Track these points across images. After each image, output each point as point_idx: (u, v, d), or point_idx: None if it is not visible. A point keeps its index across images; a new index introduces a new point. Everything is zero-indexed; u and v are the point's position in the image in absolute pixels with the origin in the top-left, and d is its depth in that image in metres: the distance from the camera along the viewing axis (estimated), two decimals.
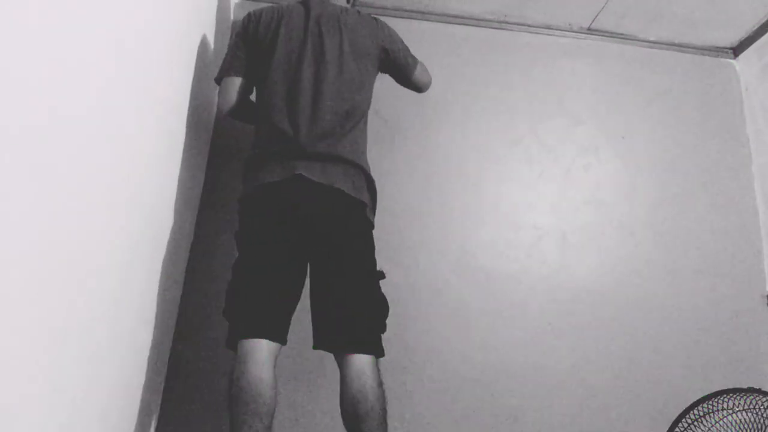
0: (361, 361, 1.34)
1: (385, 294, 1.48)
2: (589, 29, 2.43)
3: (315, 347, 1.42)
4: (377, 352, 1.39)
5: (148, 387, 1.61)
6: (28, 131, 0.81)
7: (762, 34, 2.31)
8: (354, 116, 1.56)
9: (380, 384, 1.33)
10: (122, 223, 1.25)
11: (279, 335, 1.38)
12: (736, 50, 2.46)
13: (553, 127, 2.30)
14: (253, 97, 1.72)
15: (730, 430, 1.46)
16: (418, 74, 1.80)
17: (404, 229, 2.09)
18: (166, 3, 1.44)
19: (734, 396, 1.50)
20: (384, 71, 1.77)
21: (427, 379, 1.94)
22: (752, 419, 1.43)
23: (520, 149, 2.26)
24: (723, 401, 1.50)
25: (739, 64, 2.46)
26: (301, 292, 1.49)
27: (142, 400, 1.56)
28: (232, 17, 2.25)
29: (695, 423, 1.51)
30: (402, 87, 1.87)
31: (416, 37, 2.14)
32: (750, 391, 1.48)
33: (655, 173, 2.28)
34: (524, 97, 2.32)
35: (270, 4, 1.79)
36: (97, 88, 1.04)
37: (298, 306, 1.48)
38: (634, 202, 2.23)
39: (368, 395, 1.29)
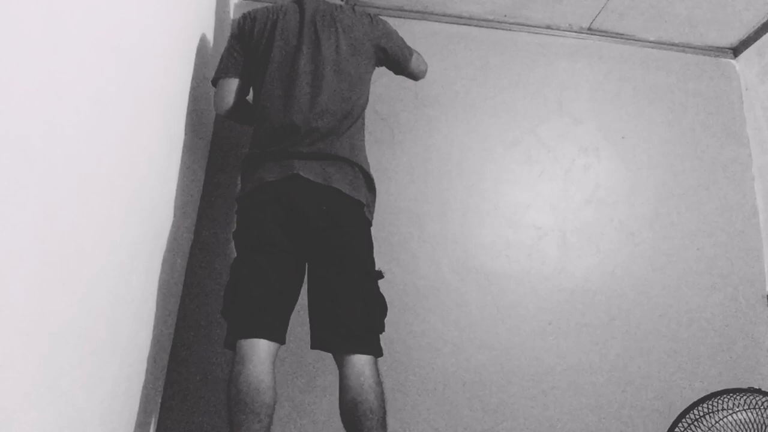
0: (361, 361, 1.34)
1: (385, 294, 1.48)
2: (589, 29, 2.43)
3: (313, 347, 1.42)
4: (376, 351, 1.38)
5: (148, 387, 1.61)
6: (28, 131, 0.81)
7: (762, 34, 2.31)
8: (352, 115, 1.56)
9: (379, 383, 1.33)
10: (122, 223, 1.25)
11: (277, 335, 1.38)
12: (736, 50, 2.46)
13: (553, 127, 2.30)
14: (249, 98, 1.72)
15: (730, 430, 1.46)
16: (414, 65, 1.81)
17: (404, 229, 2.09)
18: (167, 2, 1.44)
19: (734, 396, 1.50)
20: (380, 65, 1.77)
21: (426, 379, 1.94)
22: (752, 419, 1.43)
23: (520, 149, 2.26)
24: (723, 401, 1.50)
25: (740, 64, 2.46)
26: (299, 291, 1.49)
27: (142, 400, 1.56)
28: (232, 17, 2.26)
29: (695, 423, 1.51)
30: (402, 87, 1.87)
31: (416, 37, 2.15)
32: (750, 391, 1.48)
33: (655, 173, 2.28)
34: (524, 97, 2.32)
35: (267, 4, 1.79)
36: (97, 88, 1.04)
37: (297, 305, 1.48)
38: (634, 202, 2.23)
39: (367, 395, 1.29)
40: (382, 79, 2.05)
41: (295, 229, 1.45)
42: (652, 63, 2.42)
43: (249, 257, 1.44)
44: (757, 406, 1.45)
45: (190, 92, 1.73)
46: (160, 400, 1.80)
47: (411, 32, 2.12)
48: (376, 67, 1.74)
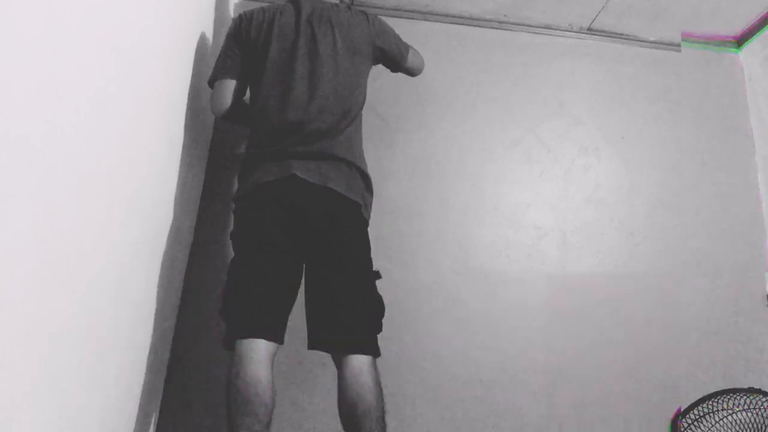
0: (359, 362, 1.33)
1: (384, 294, 1.48)
2: (589, 29, 2.43)
3: (311, 347, 1.42)
4: (374, 352, 1.38)
5: (148, 387, 1.61)
6: (28, 131, 0.81)
7: (766, 25, 2.30)
8: (351, 113, 1.56)
9: (378, 384, 1.33)
10: (122, 223, 1.25)
11: (276, 335, 1.38)
12: (740, 41, 2.45)
13: (553, 127, 2.30)
14: (246, 98, 1.71)
15: (730, 430, 1.46)
16: (410, 61, 1.81)
17: (404, 229, 2.09)
18: (166, 2, 1.44)
19: (734, 396, 1.51)
20: (377, 63, 1.77)
21: (425, 379, 1.94)
22: (752, 419, 1.43)
23: (520, 149, 2.26)
24: (723, 401, 1.51)
25: (743, 54, 2.45)
26: (297, 291, 1.49)
27: (142, 400, 1.56)
28: (231, 16, 2.25)
29: (695, 423, 1.51)
30: (402, 87, 1.87)
31: (416, 37, 2.14)
32: (750, 391, 1.49)
33: (655, 173, 2.28)
34: (524, 97, 2.32)
35: (264, 4, 1.79)
36: (97, 88, 1.04)
37: (296, 305, 1.48)
38: (634, 202, 2.23)
39: (366, 395, 1.29)
40: (382, 78, 2.05)
41: (295, 229, 1.45)
42: (653, 62, 2.43)
43: (249, 257, 1.44)
44: (756, 407, 1.45)
45: (190, 92, 1.73)
46: (160, 400, 1.80)
47: (411, 32, 2.12)
48: (373, 66, 1.74)
